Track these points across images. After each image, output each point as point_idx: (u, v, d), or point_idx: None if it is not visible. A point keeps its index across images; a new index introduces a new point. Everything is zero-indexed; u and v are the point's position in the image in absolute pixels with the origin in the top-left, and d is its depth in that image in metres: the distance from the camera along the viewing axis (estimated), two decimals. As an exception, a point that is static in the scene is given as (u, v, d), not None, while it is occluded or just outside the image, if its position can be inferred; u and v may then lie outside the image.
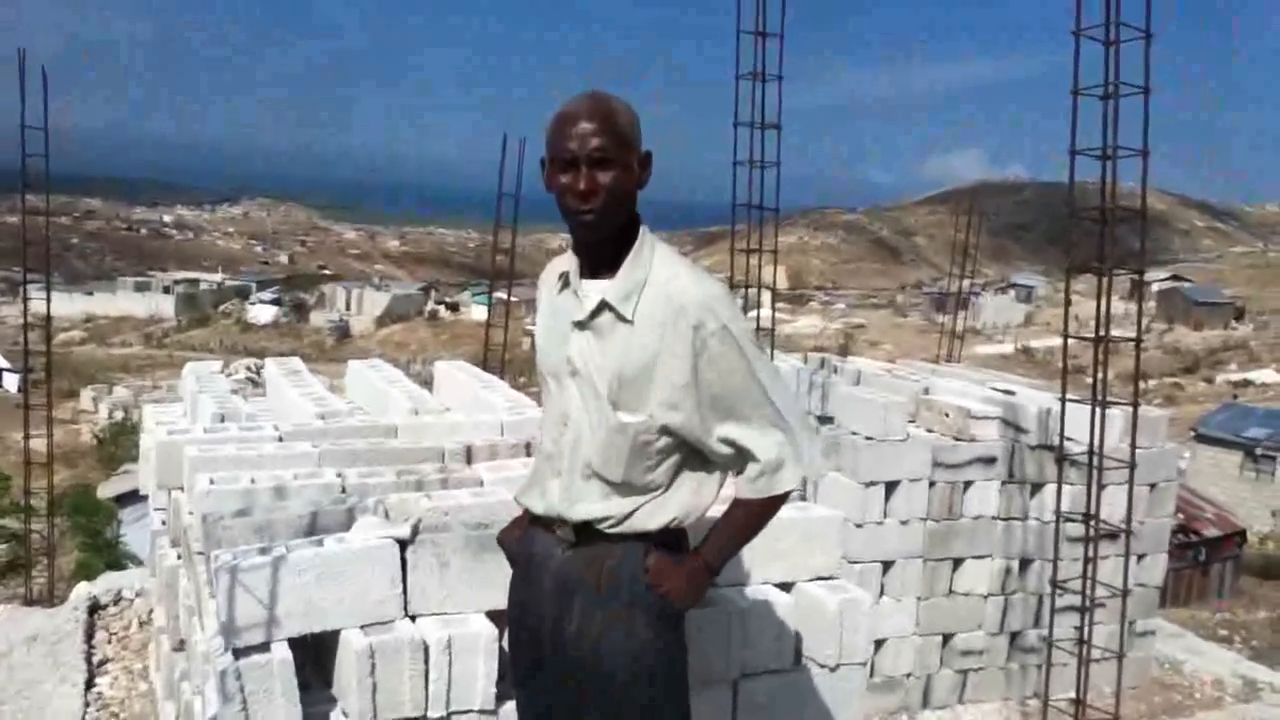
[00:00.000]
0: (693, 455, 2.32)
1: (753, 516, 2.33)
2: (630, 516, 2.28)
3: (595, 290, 2.26)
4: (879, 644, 5.88)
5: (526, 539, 2.45)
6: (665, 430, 2.25)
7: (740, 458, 2.28)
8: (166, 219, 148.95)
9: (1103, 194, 5.09)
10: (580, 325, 2.28)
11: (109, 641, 6.01)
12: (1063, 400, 5.48)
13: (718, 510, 2.39)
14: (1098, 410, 5.21)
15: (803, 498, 4.18)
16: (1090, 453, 5.24)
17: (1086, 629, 5.23)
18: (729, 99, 7.13)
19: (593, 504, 2.29)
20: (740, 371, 2.21)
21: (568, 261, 2.34)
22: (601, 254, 2.26)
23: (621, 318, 2.22)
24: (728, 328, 2.20)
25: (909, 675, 6.08)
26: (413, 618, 2.84)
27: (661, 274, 2.24)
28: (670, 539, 2.33)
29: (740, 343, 2.21)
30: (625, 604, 2.28)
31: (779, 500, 2.31)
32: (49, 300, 8.59)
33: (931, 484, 5.90)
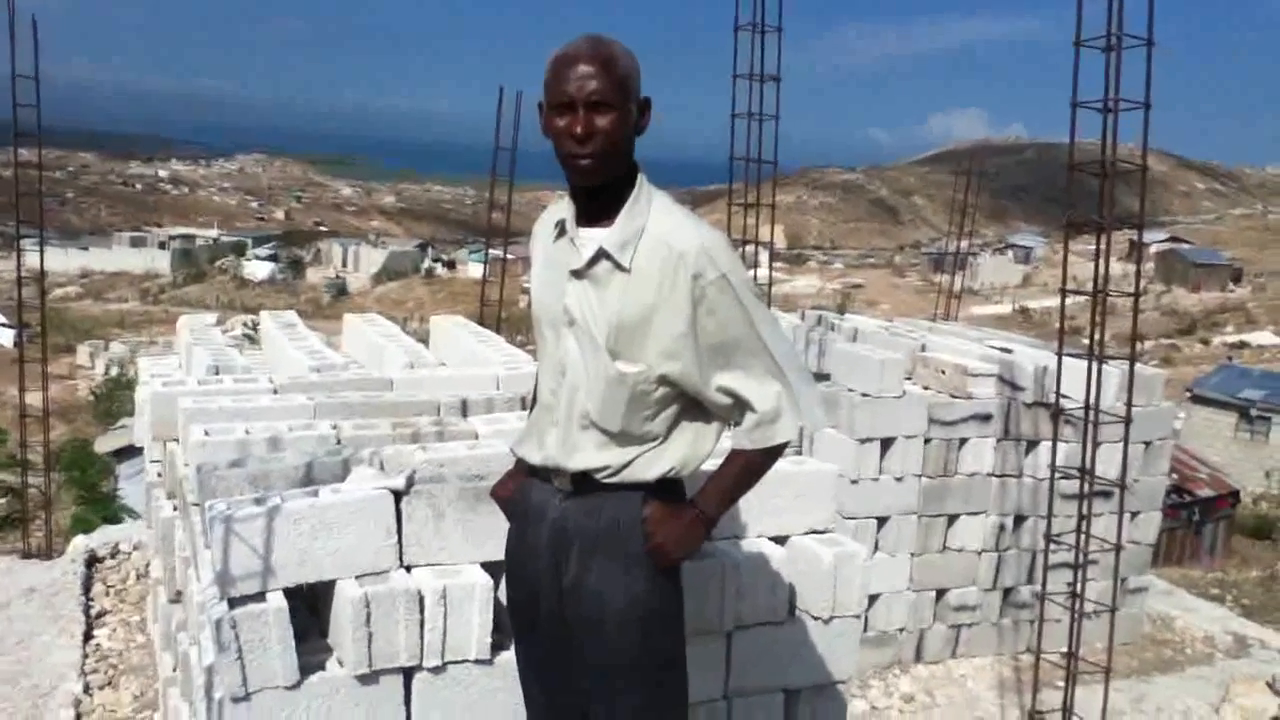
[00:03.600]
0: (691, 405, 2.30)
1: (750, 467, 2.32)
2: (628, 466, 2.27)
3: (592, 238, 2.22)
4: (872, 599, 5.92)
5: (523, 490, 2.43)
6: (663, 380, 2.23)
7: (738, 408, 2.27)
8: (162, 174, 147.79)
9: (1103, 146, 5.03)
10: (577, 274, 2.24)
11: (106, 594, 6.04)
12: (1059, 354, 5.47)
13: (715, 463, 2.38)
14: (1094, 364, 5.19)
15: (798, 452, 4.18)
16: (1086, 407, 5.24)
17: (1080, 584, 5.25)
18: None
19: (590, 454, 2.28)
20: (739, 321, 2.19)
21: (564, 209, 2.30)
22: (599, 201, 2.22)
23: (619, 266, 2.19)
24: (727, 276, 2.17)
25: (902, 630, 6.13)
26: (408, 568, 2.84)
27: (660, 222, 2.20)
28: (667, 489, 2.32)
29: (739, 292, 2.19)
30: (622, 553, 2.27)
31: (776, 451, 2.30)
32: (42, 253, 8.50)
33: (927, 441, 5.91)
